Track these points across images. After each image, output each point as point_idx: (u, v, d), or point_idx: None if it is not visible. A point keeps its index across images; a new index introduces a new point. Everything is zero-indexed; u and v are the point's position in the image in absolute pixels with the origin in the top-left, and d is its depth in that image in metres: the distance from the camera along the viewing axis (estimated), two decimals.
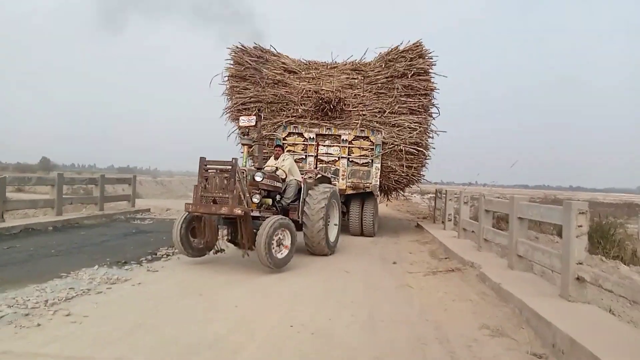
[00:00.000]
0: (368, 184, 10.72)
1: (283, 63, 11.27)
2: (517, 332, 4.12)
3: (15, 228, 9.13)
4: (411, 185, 12.01)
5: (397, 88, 10.60)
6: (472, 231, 8.73)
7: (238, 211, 6.21)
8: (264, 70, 11.01)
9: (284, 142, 10.95)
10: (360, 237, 10.69)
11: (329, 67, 11.38)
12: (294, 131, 11.00)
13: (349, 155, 10.85)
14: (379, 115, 10.71)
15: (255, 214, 6.73)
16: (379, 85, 10.84)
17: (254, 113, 7.56)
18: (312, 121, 10.87)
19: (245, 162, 7.31)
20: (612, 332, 3.71)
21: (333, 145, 10.91)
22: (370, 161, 10.76)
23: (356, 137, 10.81)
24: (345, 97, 10.77)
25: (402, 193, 14.62)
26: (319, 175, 8.61)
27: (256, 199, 6.73)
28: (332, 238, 8.26)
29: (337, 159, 10.89)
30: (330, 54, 14.60)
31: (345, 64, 11.31)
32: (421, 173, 11.34)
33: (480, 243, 7.87)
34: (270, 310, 4.61)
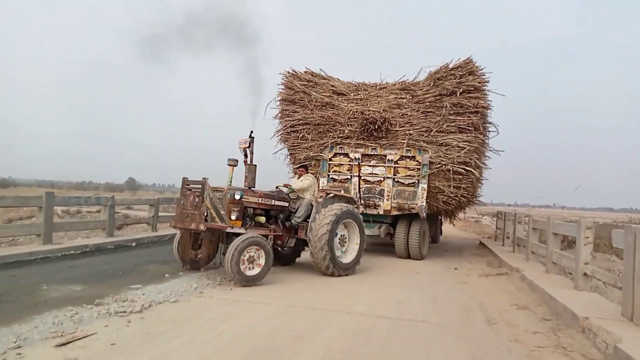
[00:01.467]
0: (414, 205, 10.31)
1: (332, 85, 11.43)
2: (536, 308, 6.03)
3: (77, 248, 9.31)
4: (465, 207, 11.33)
5: (446, 106, 10.23)
6: (524, 246, 10.33)
7: (202, 227, 6.69)
8: (313, 93, 11.25)
9: (330, 162, 11.00)
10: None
11: (378, 87, 11.33)
12: (340, 152, 10.99)
13: (394, 175, 10.58)
14: (425, 135, 10.36)
15: (235, 230, 6.92)
16: (427, 104, 10.54)
17: (249, 136, 7.80)
18: (358, 142, 10.81)
19: (230, 182, 7.45)
20: (594, 303, 5.57)
21: (378, 166, 10.72)
22: (416, 181, 10.39)
23: (402, 157, 10.53)
24: (392, 117, 10.61)
25: (465, 214, 14.21)
26: (330, 195, 8.40)
27: (234, 216, 7.01)
28: (347, 258, 8.15)
29: (382, 179, 10.65)
30: (379, 74, 14.57)
31: (395, 84, 11.19)
32: (475, 194, 10.70)
33: (528, 255, 9.68)
34: (365, 291, 6.87)
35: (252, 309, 5.39)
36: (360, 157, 10.77)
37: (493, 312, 5.77)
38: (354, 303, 5.94)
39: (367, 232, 10.57)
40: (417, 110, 10.57)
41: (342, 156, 11.00)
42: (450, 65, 10.47)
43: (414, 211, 10.32)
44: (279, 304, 5.67)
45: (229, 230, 6.89)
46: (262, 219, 7.68)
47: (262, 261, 6.73)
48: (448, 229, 18.00)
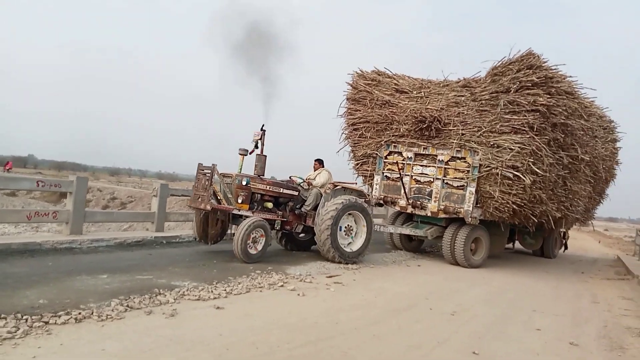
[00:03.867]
0: (460, 209, 9.86)
1: (396, 84, 11.42)
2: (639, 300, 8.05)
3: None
4: (533, 220, 10.22)
5: (501, 105, 9.46)
6: None
7: (208, 206, 7.57)
8: (375, 92, 11.41)
9: (385, 160, 11.12)
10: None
11: (441, 85, 10.96)
12: (394, 150, 11.02)
13: (444, 176, 10.22)
14: (477, 135, 9.75)
15: (241, 212, 7.89)
16: (483, 102, 9.85)
17: (260, 128, 8.54)
18: (412, 140, 10.70)
19: (240, 169, 8.28)
20: None
21: (429, 166, 10.46)
22: (465, 184, 9.88)
23: (453, 158, 10.10)
24: (448, 116, 10.22)
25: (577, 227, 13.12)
26: (338, 187, 8.94)
27: (240, 200, 7.92)
28: (351, 248, 8.80)
29: (432, 179, 10.39)
30: (441, 71, 13.34)
31: (458, 82, 10.67)
32: (535, 201, 9.65)
33: None
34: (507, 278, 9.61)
35: (429, 274, 8.92)
36: (412, 156, 10.66)
37: (601, 299, 7.95)
38: (491, 278, 9.18)
39: (411, 232, 10.54)
40: (473, 109, 9.98)
41: (396, 154, 11.01)
42: (509, 59, 9.60)
43: (460, 215, 9.87)
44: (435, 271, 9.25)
45: (235, 212, 7.88)
46: (270, 205, 8.54)
47: (261, 243, 7.73)
48: (592, 245, 21.94)
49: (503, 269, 10.62)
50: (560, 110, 9.52)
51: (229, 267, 7.23)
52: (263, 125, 8.55)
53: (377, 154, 11.25)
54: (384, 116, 11.13)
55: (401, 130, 10.84)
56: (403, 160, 10.83)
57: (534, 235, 13.49)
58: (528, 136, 9.12)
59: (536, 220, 10.27)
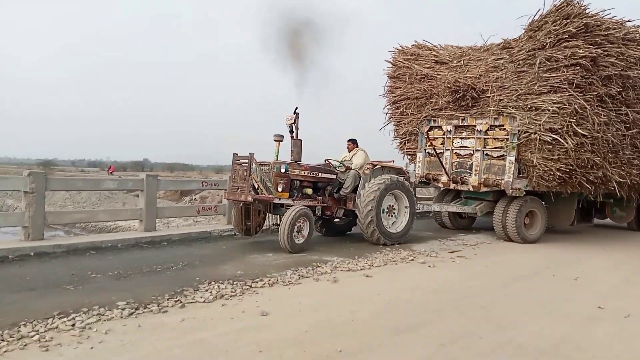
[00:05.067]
0: (500, 181, 9.15)
1: (435, 55, 10.90)
2: None
3: None
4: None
5: (537, 63, 8.57)
6: None
7: (249, 198, 7.22)
8: (415, 66, 11.01)
9: (426, 136, 10.70)
10: None
11: (482, 50, 10.21)
12: (435, 125, 10.54)
13: (484, 147, 9.55)
14: (515, 99, 8.94)
15: (282, 201, 7.51)
16: (520, 62, 9.00)
17: (293, 112, 7.95)
18: (450, 113, 10.15)
19: (277, 156, 7.77)
20: None
21: (469, 138, 9.84)
22: (505, 154, 9.14)
23: (491, 127, 9.39)
24: (486, 82, 9.52)
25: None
26: (377, 167, 8.52)
27: (280, 188, 7.51)
28: (395, 228, 8.45)
29: (472, 152, 9.76)
30: (480, 35, 11.62)
31: (499, 44, 9.85)
32: (596, 165, 8.57)
33: None
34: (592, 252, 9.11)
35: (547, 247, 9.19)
36: (452, 130, 10.13)
37: None
38: (612, 249, 9.32)
39: (458, 209, 10.06)
40: (510, 72, 9.17)
41: (436, 129, 10.54)
42: (544, 12, 8.63)
43: (500, 187, 9.17)
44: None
45: (276, 201, 7.49)
46: (309, 191, 8.13)
47: (306, 231, 7.39)
48: None
49: (624, 242, 10.50)
50: (614, 60, 8.35)
51: (361, 246, 8.06)
52: (296, 108, 8.00)
53: (417, 130, 10.87)
54: (422, 90, 10.70)
55: (440, 104, 10.35)
56: (443, 134, 10.33)
57: (625, 207, 11.88)
58: (568, 94, 8.15)
59: (591, 188, 9.07)
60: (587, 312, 4.87)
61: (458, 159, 10.10)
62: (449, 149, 10.19)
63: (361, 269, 6.31)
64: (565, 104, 8.17)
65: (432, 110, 10.51)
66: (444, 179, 10.24)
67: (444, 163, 10.19)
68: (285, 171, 7.59)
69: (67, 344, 3.43)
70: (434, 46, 11.15)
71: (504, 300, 5.17)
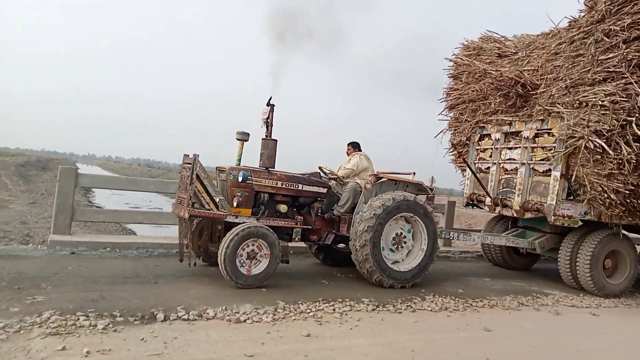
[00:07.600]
0: (540, 205, 6.72)
1: (498, 47, 8.79)
2: None
3: None
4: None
5: (592, 41, 6.12)
6: None
7: (185, 214, 5.36)
8: (475, 63, 9.04)
9: (477, 147, 8.60)
10: None
11: (550, 35, 7.85)
12: (484, 132, 8.38)
13: (529, 160, 7.18)
14: (564, 92, 6.52)
15: (232, 219, 5.54)
16: (577, 43, 6.58)
17: (267, 103, 6.05)
18: (502, 117, 7.96)
19: (239, 160, 5.99)
20: None
21: (516, 147, 7.53)
22: (551, 167, 6.70)
23: (538, 132, 7.02)
24: (542, 75, 7.27)
25: None
26: (382, 179, 6.32)
27: (235, 202, 5.67)
28: (405, 266, 6.21)
29: (517, 166, 7.43)
30: (547, 16, 7.69)
31: (566, 27, 7.42)
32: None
33: None
34: None
35: None
36: (502, 138, 7.93)
37: None
38: None
39: (508, 242, 7.75)
40: (567, 57, 6.78)
41: (487, 138, 8.38)
42: None
43: (541, 214, 6.75)
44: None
45: (229, 219, 5.51)
46: (283, 208, 6.08)
47: (264, 259, 5.41)
48: None
49: None
50: None
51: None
52: (270, 99, 6.06)
53: (468, 141, 8.83)
54: (477, 91, 8.70)
55: (492, 106, 8.25)
56: (492, 144, 8.16)
57: None
58: (624, 81, 5.59)
59: None
60: None
61: (505, 175, 7.83)
62: (495, 163, 8.00)
63: (586, 307, 6.30)
64: (621, 95, 5.61)
65: (484, 114, 8.46)
66: (488, 200, 8.04)
67: (489, 180, 8.04)
68: (244, 180, 5.70)
69: (333, 323, 4.45)
70: (501, 37, 9.04)
71: None
